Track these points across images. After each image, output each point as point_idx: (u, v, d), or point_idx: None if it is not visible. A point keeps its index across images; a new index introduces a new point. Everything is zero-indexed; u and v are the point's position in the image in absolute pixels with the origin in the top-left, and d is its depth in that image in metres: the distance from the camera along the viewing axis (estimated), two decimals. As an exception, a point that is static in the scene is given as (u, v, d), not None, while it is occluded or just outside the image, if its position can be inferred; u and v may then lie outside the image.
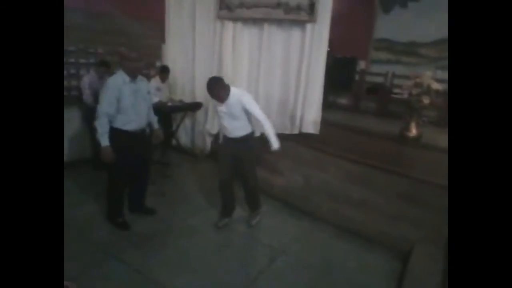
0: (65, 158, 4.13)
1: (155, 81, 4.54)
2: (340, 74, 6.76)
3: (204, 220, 3.30)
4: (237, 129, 2.93)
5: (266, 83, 4.53)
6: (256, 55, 4.51)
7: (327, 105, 5.66)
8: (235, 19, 4.38)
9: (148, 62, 4.89)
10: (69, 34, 3.87)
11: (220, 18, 4.45)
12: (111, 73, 3.74)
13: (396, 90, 6.20)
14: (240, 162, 3.06)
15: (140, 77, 2.87)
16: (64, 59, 3.91)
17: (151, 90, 3.02)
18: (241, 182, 3.21)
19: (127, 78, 2.73)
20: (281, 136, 4.64)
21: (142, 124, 2.93)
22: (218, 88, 2.79)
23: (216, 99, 2.83)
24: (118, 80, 2.72)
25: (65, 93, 3.98)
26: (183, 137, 5.27)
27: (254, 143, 3.13)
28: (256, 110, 2.88)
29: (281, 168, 4.16)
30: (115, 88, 2.69)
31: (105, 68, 3.99)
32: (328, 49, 4.21)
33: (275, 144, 2.92)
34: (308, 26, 4.11)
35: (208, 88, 2.80)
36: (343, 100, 7.36)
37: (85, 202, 3.48)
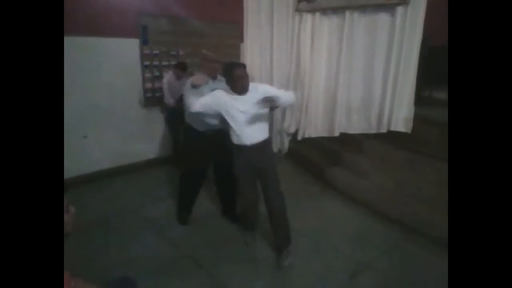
0: (147, 156, 4.35)
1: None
2: (436, 65, 5.94)
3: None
4: (257, 131, 2.42)
5: (347, 77, 4.15)
6: (336, 47, 4.16)
7: (421, 100, 4.99)
8: (314, 10, 4.10)
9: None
10: (154, 38, 4.07)
11: (299, 11, 4.22)
12: (188, 75, 3.80)
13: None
14: (262, 176, 2.49)
15: (220, 78, 2.76)
16: (148, 62, 4.11)
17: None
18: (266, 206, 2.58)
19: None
20: (366, 136, 4.28)
21: (215, 125, 2.78)
22: (246, 74, 2.35)
23: (240, 90, 2.34)
24: None
25: (149, 95, 4.18)
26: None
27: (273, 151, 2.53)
28: (276, 91, 2.42)
29: (367, 169, 3.75)
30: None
31: (179, 70, 4.03)
32: (423, 36, 3.67)
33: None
34: (399, 10, 3.62)
35: (235, 73, 2.30)
36: (440, 95, 6.47)
37: (163, 199, 3.58)
